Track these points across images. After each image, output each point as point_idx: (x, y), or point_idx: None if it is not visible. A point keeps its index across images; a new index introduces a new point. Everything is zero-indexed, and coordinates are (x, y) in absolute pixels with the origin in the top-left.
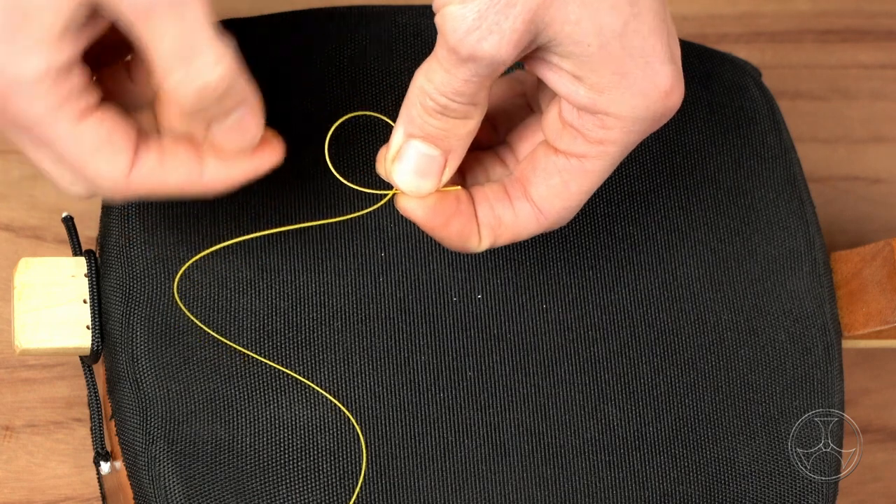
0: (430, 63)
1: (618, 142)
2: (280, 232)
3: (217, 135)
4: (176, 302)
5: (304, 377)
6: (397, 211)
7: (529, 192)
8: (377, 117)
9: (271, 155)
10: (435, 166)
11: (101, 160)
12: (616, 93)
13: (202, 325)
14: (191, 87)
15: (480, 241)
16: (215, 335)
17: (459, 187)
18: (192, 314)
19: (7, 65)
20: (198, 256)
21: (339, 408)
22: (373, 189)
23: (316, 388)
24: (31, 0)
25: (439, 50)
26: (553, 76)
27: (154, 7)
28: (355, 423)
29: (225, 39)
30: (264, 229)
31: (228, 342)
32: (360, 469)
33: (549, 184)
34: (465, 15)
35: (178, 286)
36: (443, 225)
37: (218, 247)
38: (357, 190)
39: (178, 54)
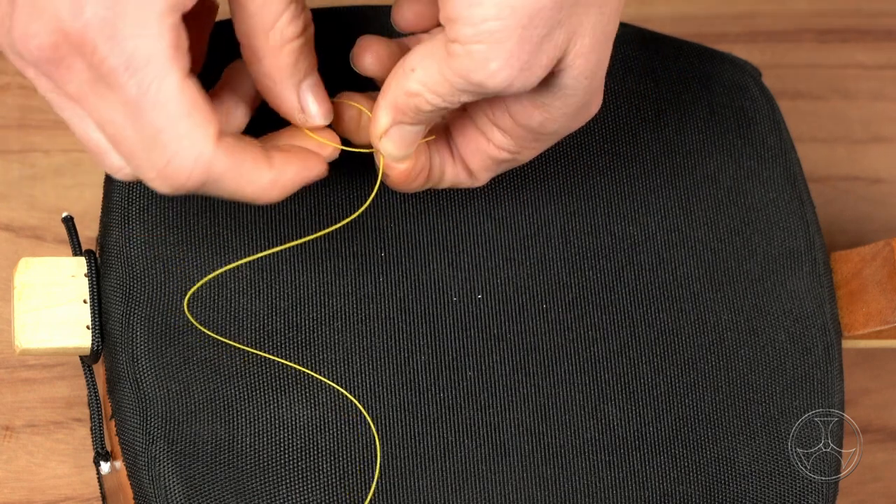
0: (431, 73)
1: (545, 147)
2: (283, 248)
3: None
4: (188, 317)
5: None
6: (397, 210)
7: (467, 164)
8: (355, 106)
9: (319, 161)
10: (418, 136)
11: (197, 124)
12: (570, 121)
13: (216, 336)
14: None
15: (423, 186)
16: (232, 343)
17: (433, 136)
18: (192, 314)
19: None
20: (206, 278)
21: (356, 405)
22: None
23: (334, 385)
24: None
25: (450, 73)
26: (525, 104)
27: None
28: (370, 421)
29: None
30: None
31: (245, 347)
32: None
33: (485, 165)
34: (496, 55)
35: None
36: (414, 182)
37: (223, 270)
38: (350, 151)
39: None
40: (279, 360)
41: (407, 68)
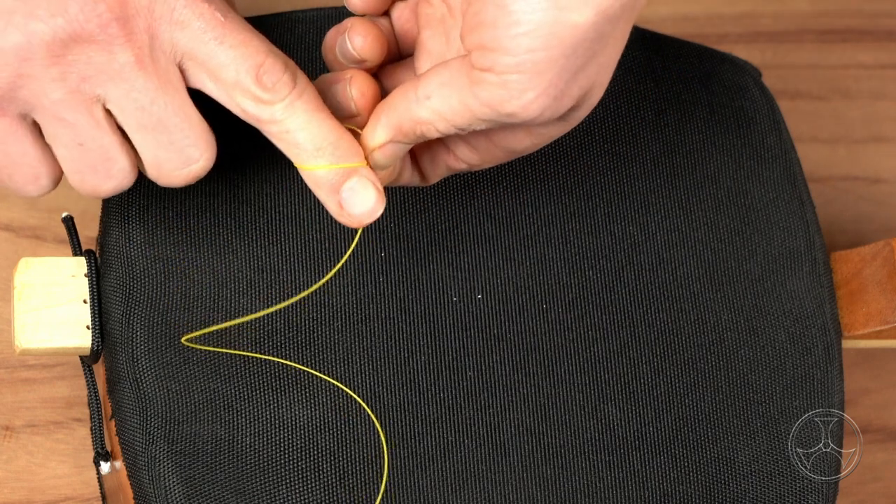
0: (450, 103)
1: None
2: (285, 305)
3: None
4: (191, 345)
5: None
6: (397, 211)
7: (423, 169)
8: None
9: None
10: (406, 151)
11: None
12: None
13: (226, 350)
14: None
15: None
16: (244, 353)
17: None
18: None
19: None
20: (207, 329)
21: (363, 407)
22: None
23: (344, 388)
24: None
25: (475, 103)
26: (517, 131)
27: None
28: (376, 421)
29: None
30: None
31: (259, 355)
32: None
33: (440, 173)
34: (534, 86)
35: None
36: (392, 182)
37: (227, 325)
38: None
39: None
40: (293, 364)
41: (421, 95)
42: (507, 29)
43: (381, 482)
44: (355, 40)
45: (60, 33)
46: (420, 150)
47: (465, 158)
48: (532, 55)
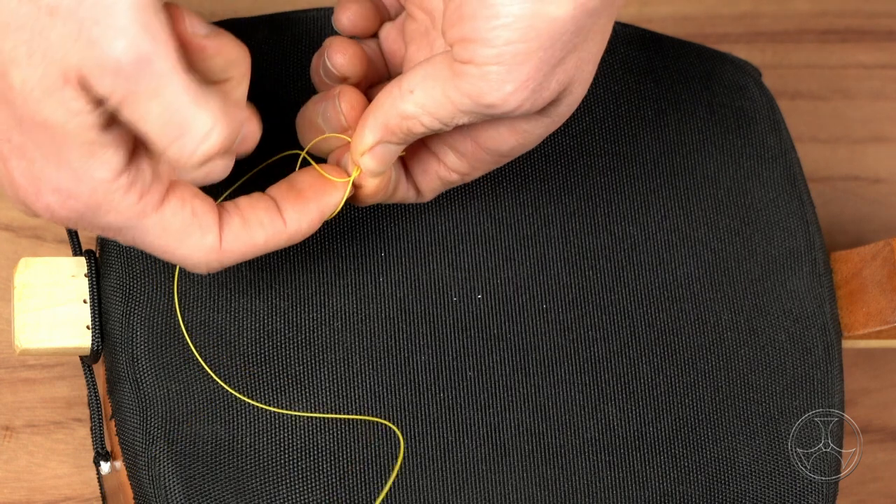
0: (433, 95)
1: (497, 167)
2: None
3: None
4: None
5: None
6: (397, 210)
7: (417, 183)
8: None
9: (337, 190)
10: (398, 153)
11: (192, 240)
12: (536, 143)
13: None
14: (190, 159)
15: (380, 200)
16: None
17: (405, 153)
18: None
19: (80, 179)
20: None
21: (393, 429)
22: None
23: (373, 418)
24: (57, 124)
25: (457, 95)
26: (502, 131)
27: (130, 91)
28: (398, 431)
29: (212, 98)
30: None
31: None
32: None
33: (433, 187)
34: (513, 78)
35: (180, 291)
36: (377, 196)
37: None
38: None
39: (167, 132)
40: (285, 411)
41: (405, 89)
42: (487, 21)
43: (386, 482)
44: (334, 58)
45: None
46: (412, 163)
47: (453, 167)
48: (511, 47)
